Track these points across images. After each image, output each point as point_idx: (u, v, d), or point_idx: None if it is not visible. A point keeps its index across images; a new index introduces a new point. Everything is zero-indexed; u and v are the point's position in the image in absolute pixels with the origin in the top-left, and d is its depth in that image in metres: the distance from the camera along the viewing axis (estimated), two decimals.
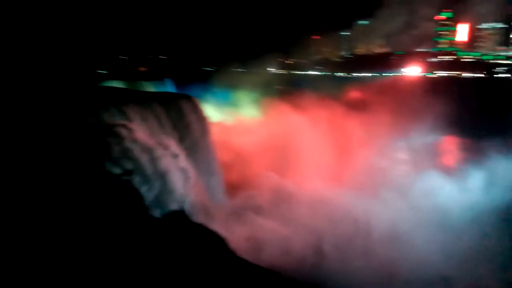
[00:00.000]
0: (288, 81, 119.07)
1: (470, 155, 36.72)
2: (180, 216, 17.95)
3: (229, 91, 60.61)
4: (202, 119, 32.32)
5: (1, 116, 18.79)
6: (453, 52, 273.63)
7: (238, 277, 14.98)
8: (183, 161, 26.78)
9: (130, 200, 16.19)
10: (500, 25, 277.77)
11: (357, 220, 29.55)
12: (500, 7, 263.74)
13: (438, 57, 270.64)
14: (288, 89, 79.81)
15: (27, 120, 18.77)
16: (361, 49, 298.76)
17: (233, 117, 52.15)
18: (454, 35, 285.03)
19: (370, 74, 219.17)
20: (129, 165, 21.67)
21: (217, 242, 16.70)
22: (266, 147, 41.45)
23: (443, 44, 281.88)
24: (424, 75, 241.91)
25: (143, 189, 21.33)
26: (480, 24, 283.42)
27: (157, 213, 20.52)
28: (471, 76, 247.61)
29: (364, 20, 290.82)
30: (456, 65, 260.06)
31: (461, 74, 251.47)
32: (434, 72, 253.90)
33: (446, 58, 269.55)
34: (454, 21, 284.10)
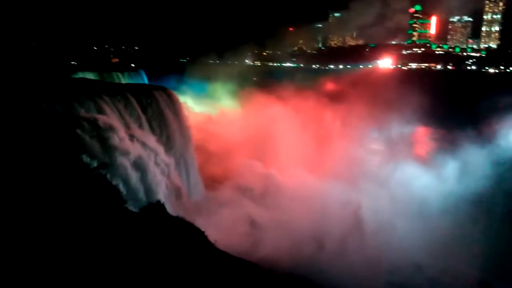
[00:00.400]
0: (264, 73, 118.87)
1: (444, 145, 37.80)
2: (157, 210, 17.66)
3: (205, 83, 60.12)
4: (178, 111, 31.89)
5: None
6: (425, 45, 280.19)
7: (217, 270, 14.93)
8: (159, 153, 26.43)
9: (105, 194, 15.81)
10: (469, 18, 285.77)
11: (336, 210, 30.02)
12: (469, 0, 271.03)
13: (411, 49, 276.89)
14: (264, 81, 79.73)
15: None
16: (335, 41, 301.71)
17: (210, 109, 51.78)
18: (426, 28, 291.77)
19: (344, 66, 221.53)
20: (103, 158, 21.21)
21: (195, 235, 16.55)
22: (244, 139, 41.46)
23: (415, 37, 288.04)
24: (398, 67, 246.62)
25: (119, 183, 20.93)
26: (450, 17, 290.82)
27: (133, 206, 20.19)
28: (442, 68, 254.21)
29: (339, 12, 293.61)
30: (428, 57, 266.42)
31: (433, 66, 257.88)
32: (407, 64, 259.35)
33: (419, 50, 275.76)
34: (425, 14, 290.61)
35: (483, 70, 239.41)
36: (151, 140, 26.15)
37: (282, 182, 35.55)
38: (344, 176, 34.63)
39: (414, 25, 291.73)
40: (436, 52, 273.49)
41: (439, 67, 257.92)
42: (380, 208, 30.50)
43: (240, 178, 35.16)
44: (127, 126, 24.83)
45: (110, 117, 23.62)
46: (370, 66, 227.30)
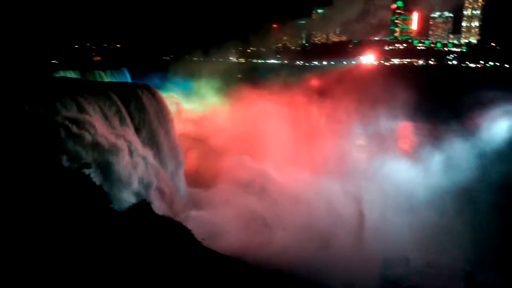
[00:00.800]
0: (249, 69, 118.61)
1: (429, 139, 38.37)
2: (142, 209, 17.48)
3: (190, 80, 59.66)
4: (162, 109, 31.60)
5: None
6: (407, 40, 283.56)
7: (205, 267, 14.86)
8: (143, 152, 26.14)
9: (89, 194, 15.57)
10: (450, 14, 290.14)
11: (322, 204, 30.23)
12: None
13: (393, 45, 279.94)
14: (249, 77, 79.63)
15: None
16: (319, 38, 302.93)
17: (197, 106, 51.43)
18: (408, 24, 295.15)
19: (328, 62, 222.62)
20: (86, 158, 20.88)
21: (181, 233, 16.44)
22: (233, 136, 41.55)
23: (397, 32, 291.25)
24: (380, 62, 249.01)
25: (102, 182, 20.62)
26: (431, 13, 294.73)
27: (117, 206, 19.93)
28: (424, 63, 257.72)
29: (322, 8, 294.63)
30: (410, 53, 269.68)
31: (415, 62, 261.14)
32: (389, 60, 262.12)
33: (401, 46, 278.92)
34: (407, 10, 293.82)
35: (463, 65, 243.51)
36: (135, 139, 25.87)
37: (275, 178, 35.61)
38: (334, 171, 34.90)
39: (396, 21, 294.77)
40: (418, 47, 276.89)
41: (421, 62, 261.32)
42: (369, 202, 30.82)
43: (233, 175, 35.05)
44: (110, 126, 24.49)
45: (93, 117, 23.25)
46: (353, 62, 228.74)
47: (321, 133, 42.64)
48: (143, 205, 16.14)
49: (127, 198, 22.36)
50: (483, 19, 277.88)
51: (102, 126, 23.22)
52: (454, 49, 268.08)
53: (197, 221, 27.11)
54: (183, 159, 33.42)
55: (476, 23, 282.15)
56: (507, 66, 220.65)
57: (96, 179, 20.03)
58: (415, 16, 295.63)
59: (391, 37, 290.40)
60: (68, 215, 12.80)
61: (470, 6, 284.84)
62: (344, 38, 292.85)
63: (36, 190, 13.42)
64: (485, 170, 34.88)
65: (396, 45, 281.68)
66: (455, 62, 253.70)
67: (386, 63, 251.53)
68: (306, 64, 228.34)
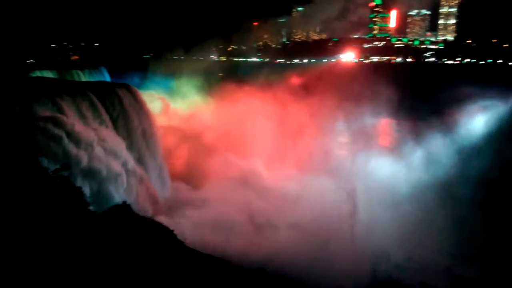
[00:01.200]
0: (230, 68, 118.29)
1: (409, 135, 38.93)
2: (123, 210, 17.20)
3: (170, 79, 59.16)
4: (142, 109, 31.19)
5: None
6: (386, 38, 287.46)
7: (188, 267, 14.72)
8: (123, 153, 25.74)
9: (68, 196, 15.23)
10: (427, 11, 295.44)
11: (305, 201, 30.39)
12: None
13: (372, 43, 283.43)
14: (231, 76, 79.47)
15: None
16: (299, 36, 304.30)
17: (179, 105, 51.05)
18: (386, 22, 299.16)
19: (309, 60, 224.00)
20: (65, 159, 20.43)
21: (163, 234, 16.25)
22: (216, 134, 41.61)
23: (376, 30, 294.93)
24: (360, 60, 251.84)
25: (82, 184, 20.23)
26: (409, 10, 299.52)
27: (98, 208, 19.58)
28: (402, 61, 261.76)
29: (302, 6, 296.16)
30: (388, 50, 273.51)
31: (393, 59, 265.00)
32: (368, 57, 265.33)
33: (379, 44, 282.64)
34: (385, 7, 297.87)
35: (440, 62, 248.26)
36: (115, 139, 25.41)
37: (264, 176, 35.61)
38: (319, 168, 35.12)
39: (375, 19, 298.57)
40: (396, 45, 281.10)
41: (399, 59, 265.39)
42: (343, 198, 31.10)
43: (222, 173, 34.89)
44: (89, 126, 24.02)
45: (71, 117, 22.78)
46: (333, 60, 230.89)
47: (304, 130, 42.88)
48: (124, 206, 15.87)
49: (107, 199, 21.97)
50: (459, 16, 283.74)
51: (81, 127, 22.74)
52: (431, 46, 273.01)
53: (181, 220, 26.93)
54: (164, 159, 33.14)
55: (452, 21, 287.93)
56: (483, 62, 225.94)
57: (75, 180, 19.65)
58: (393, 14, 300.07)
59: (370, 35, 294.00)
60: (47, 217, 12.50)
61: (446, 4, 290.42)
62: (324, 36, 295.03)
63: (13, 191, 13.07)
64: (464, 165, 35.64)
65: (375, 43, 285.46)
66: (432, 59, 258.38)
67: (365, 61, 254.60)
68: (287, 62, 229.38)
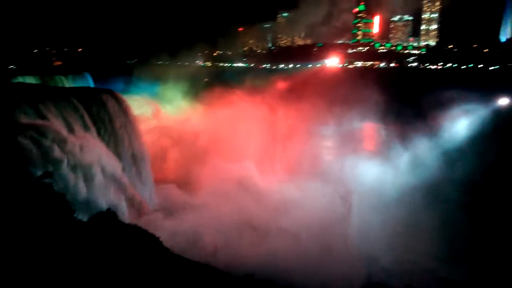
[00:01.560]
0: (216, 73, 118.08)
1: (395, 138, 39.42)
2: (109, 218, 16.92)
3: (155, 85, 58.71)
4: (127, 115, 30.87)
5: None
6: (370, 44, 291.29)
7: (175, 275, 14.54)
8: (107, 159, 25.40)
9: (52, 204, 14.92)
10: (410, 17, 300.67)
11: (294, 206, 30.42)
12: (409, 0, 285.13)
13: (356, 48, 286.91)
14: (217, 81, 79.40)
15: None
16: (285, 41, 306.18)
17: (162, 111, 50.66)
18: (370, 27, 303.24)
19: (294, 66, 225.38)
20: (48, 167, 20.05)
21: (148, 241, 16.03)
22: (205, 139, 41.67)
23: (359, 36, 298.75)
24: (344, 65, 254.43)
25: (66, 192, 19.86)
26: (392, 16, 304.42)
27: (82, 216, 19.23)
28: (386, 66, 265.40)
29: (287, 12, 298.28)
30: (372, 55, 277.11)
31: (377, 64, 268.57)
32: (352, 62, 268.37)
33: (363, 49, 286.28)
34: (368, 13, 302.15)
35: (422, 67, 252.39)
36: (99, 146, 25.08)
37: (254, 180, 35.47)
38: (308, 172, 35.27)
39: (359, 24, 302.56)
40: (380, 50, 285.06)
41: (383, 64, 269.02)
42: (333, 201, 31.26)
43: (212, 179, 34.68)
44: (72, 132, 23.63)
45: (54, 124, 22.40)
46: (318, 65, 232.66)
47: (293, 135, 43.09)
48: (108, 213, 15.62)
49: (91, 207, 21.61)
50: (441, 22, 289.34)
51: (64, 133, 22.37)
52: (414, 51, 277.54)
53: (168, 227, 26.67)
54: (151, 164, 32.85)
55: (434, 26, 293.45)
56: (464, 67, 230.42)
57: (59, 188, 19.28)
58: (376, 20, 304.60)
59: (354, 41, 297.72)
60: (29, 226, 12.22)
61: (428, 9, 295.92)
62: (309, 42, 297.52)
63: None
64: (448, 168, 36.26)
65: (359, 48, 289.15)
66: (415, 64, 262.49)
67: (349, 66, 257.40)
68: (273, 67, 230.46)
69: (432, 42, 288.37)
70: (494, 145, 43.48)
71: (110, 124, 28.30)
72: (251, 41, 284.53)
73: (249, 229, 28.72)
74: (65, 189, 20.27)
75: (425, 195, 32.05)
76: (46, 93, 27.19)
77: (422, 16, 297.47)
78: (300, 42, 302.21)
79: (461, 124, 39.43)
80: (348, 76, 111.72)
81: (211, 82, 79.86)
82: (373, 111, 42.13)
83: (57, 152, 21.08)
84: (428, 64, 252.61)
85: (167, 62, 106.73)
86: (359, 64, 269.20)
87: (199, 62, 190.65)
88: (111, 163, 25.43)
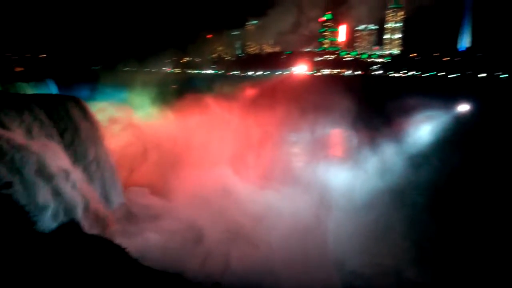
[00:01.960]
0: (184, 80, 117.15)
1: (364, 145, 40.22)
2: (71, 228, 16.38)
3: (122, 91, 57.54)
4: (91, 122, 30.11)
5: None
6: (336, 52, 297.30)
7: (140, 285, 14.21)
8: (71, 167, 24.64)
9: (10, 214, 14.31)
10: (374, 26, 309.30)
11: (261, 213, 30.38)
12: (373, 10, 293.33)
13: (323, 56, 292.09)
14: (185, 88, 78.82)
15: None
16: (253, 48, 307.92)
17: (128, 118, 49.69)
18: (336, 36, 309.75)
19: (263, 73, 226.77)
20: (7, 177, 19.23)
21: (113, 251, 15.61)
22: (173, 145, 41.12)
23: (326, 44, 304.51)
24: (312, 73, 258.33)
25: (27, 202, 19.07)
26: (357, 25, 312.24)
27: (43, 227, 18.53)
28: (352, 73, 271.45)
29: (256, 19, 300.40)
30: (339, 63, 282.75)
31: (343, 72, 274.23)
32: (320, 70, 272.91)
33: (330, 57, 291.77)
34: (335, 22, 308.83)
35: (386, 75, 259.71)
36: (63, 154, 24.31)
37: (228, 186, 35.17)
38: (280, 179, 35.42)
39: (325, 33, 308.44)
40: (346, 58, 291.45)
41: (349, 72, 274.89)
42: (308, 207, 31.48)
43: (185, 185, 34.18)
44: (35, 141, 22.80)
45: (15, 133, 21.58)
46: (287, 72, 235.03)
47: (264, 142, 43.23)
48: (71, 224, 15.15)
49: (54, 218, 20.84)
50: (404, 31, 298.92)
51: (25, 142, 21.54)
52: (378, 59, 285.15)
53: (136, 235, 26.13)
54: (116, 171, 32.13)
55: (398, 35, 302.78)
56: (426, 75, 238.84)
57: (19, 198, 18.51)
58: (342, 29, 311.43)
59: (321, 49, 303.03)
60: None
61: (392, 19, 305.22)
62: (277, 49, 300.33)
63: None
64: (413, 172, 37.38)
65: (326, 56, 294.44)
66: (380, 72, 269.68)
67: (317, 74, 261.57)
68: (242, 74, 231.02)
69: (396, 51, 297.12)
70: (455, 150, 45.27)
71: (75, 131, 27.52)
72: (220, 48, 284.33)
73: (224, 235, 28.52)
74: (26, 199, 19.50)
75: (393, 199, 32.83)
76: (6, 100, 26.15)
77: (386, 26, 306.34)
78: (268, 49, 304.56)
79: (424, 129, 40.80)
80: (316, 84, 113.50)
81: (180, 89, 79.23)
82: (342, 117, 43.03)
83: (18, 161, 20.28)
84: (392, 72, 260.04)
85: (134, 69, 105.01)
86: (326, 71, 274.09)
87: (168, 69, 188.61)
88: (75, 171, 24.69)
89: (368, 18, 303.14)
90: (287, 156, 43.04)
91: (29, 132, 23.06)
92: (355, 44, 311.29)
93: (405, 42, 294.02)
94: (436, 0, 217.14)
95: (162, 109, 51.80)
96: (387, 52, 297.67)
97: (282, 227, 28.35)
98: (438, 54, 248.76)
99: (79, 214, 22.74)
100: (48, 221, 19.60)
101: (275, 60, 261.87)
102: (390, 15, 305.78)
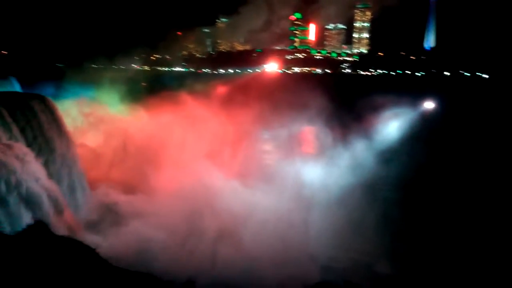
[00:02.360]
0: (154, 77, 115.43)
1: (336, 142, 40.71)
2: (37, 230, 15.78)
3: (89, 89, 55.99)
4: (57, 121, 29.15)
5: None
6: (306, 50, 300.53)
7: (111, 285, 13.90)
8: (36, 167, 23.74)
9: None
10: (343, 26, 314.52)
11: (237, 210, 30.24)
12: (342, 9, 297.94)
13: (294, 54, 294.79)
14: (155, 85, 77.70)
15: None
16: (224, 46, 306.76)
17: (96, 116, 48.42)
18: (306, 35, 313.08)
19: (234, 71, 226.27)
20: None
21: (83, 252, 15.17)
22: (145, 142, 40.66)
23: (297, 43, 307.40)
24: (283, 71, 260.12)
25: None
26: (327, 25, 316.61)
27: (9, 229, 17.79)
28: (322, 72, 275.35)
29: (227, 17, 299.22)
30: (309, 62, 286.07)
31: (313, 70, 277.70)
32: (291, 68, 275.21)
33: (300, 55, 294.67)
34: (304, 21, 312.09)
35: (355, 73, 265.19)
36: (27, 154, 23.34)
37: (205, 183, 34.74)
38: (256, 176, 35.39)
39: (295, 31, 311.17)
40: (316, 57, 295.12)
41: (319, 70, 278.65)
42: (281, 203, 31.57)
43: (159, 183, 33.53)
44: None
45: None
46: (258, 70, 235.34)
47: (238, 139, 43.07)
48: (38, 225, 14.62)
49: (21, 218, 20.02)
50: (372, 31, 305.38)
51: None
52: (347, 58, 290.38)
53: (106, 235, 25.56)
54: (83, 171, 31.32)
55: (365, 35, 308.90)
56: (393, 73, 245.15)
57: None
58: (312, 28, 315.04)
59: (292, 47, 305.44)
60: None
61: (360, 19, 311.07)
62: (248, 47, 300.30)
63: None
64: (384, 167, 38.27)
65: (296, 54, 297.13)
66: (349, 71, 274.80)
67: (288, 72, 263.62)
68: (213, 72, 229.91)
69: (364, 50, 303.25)
70: (422, 145, 46.59)
71: (40, 130, 26.57)
72: (190, 46, 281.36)
73: (201, 233, 28.18)
74: None
75: (365, 194, 33.42)
76: None
77: (354, 25, 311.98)
78: (239, 47, 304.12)
79: (392, 126, 41.74)
80: (289, 82, 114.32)
81: (150, 86, 78.01)
82: (315, 115, 43.50)
83: None
84: (360, 70, 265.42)
85: (101, 66, 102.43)
86: (297, 69, 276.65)
87: (136, 66, 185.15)
88: (40, 171, 23.80)
89: (337, 18, 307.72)
90: (262, 153, 43.11)
91: None
92: (325, 43, 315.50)
93: (373, 41, 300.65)
94: (402, 1, 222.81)
95: (133, 107, 50.89)
96: (356, 51, 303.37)
97: (259, 222, 28.34)
98: (404, 53, 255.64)
99: (45, 215, 21.88)
100: (12, 222, 18.81)
101: (246, 58, 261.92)
102: (358, 14, 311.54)
